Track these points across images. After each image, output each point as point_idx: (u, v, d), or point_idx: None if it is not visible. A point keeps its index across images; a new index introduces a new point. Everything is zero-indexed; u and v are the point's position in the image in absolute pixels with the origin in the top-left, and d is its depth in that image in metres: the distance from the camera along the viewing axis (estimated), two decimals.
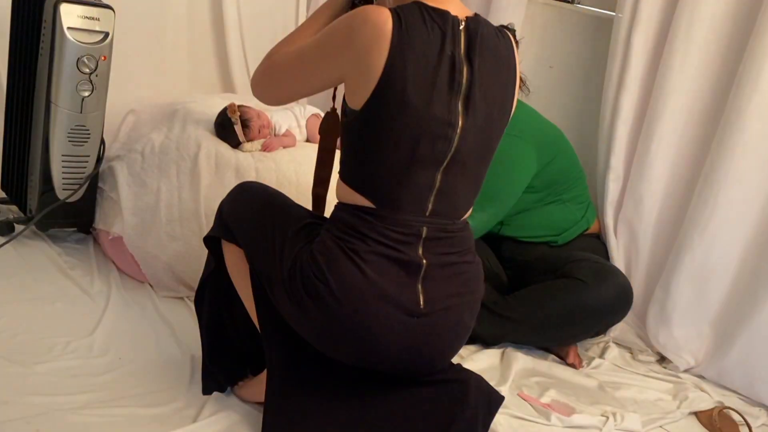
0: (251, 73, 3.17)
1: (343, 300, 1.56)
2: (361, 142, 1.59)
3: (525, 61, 2.67)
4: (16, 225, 2.35)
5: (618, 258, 2.57)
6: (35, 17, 2.21)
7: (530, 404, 2.04)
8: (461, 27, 1.58)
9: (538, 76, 2.55)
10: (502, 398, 1.75)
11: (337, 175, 1.68)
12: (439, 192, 1.61)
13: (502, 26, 2.10)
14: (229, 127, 2.32)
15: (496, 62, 1.62)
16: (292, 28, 3.30)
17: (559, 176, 2.46)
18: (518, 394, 2.08)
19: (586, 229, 2.55)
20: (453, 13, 1.59)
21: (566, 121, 2.73)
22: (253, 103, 2.46)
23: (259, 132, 2.36)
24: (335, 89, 1.76)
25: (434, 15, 1.56)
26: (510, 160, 2.35)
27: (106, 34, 2.21)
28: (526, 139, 2.38)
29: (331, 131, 1.82)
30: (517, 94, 1.73)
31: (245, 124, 2.32)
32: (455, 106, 1.56)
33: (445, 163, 1.59)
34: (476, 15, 1.65)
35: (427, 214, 1.62)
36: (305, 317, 1.61)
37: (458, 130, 1.57)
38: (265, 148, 2.35)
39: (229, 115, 2.33)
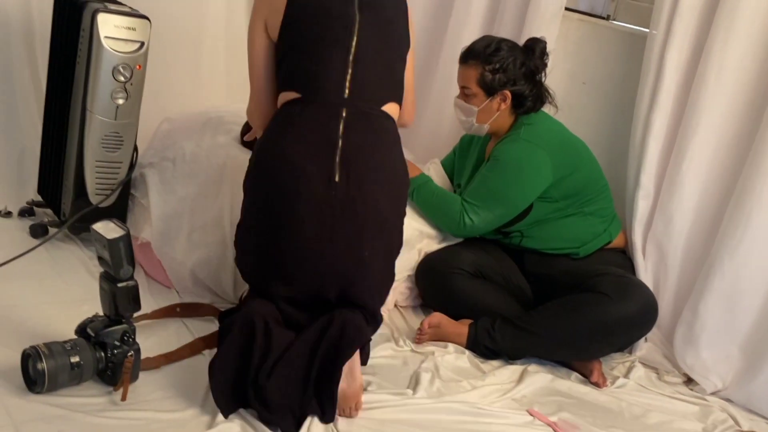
0: None
1: (268, 168, 1.92)
2: (284, 56, 1.98)
3: (557, 76, 2.66)
4: (50, 228, 2.41)
5: (646, 277, 2.54)
6: (74, 26, 2.27)
7: (538, 420, 2.03)
8: None
9: (571, 92, 2.54)
10: (360, 340, 1.89)
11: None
12: (353, 79, 1.96)
13: (534, 38, 2.33)
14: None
15: None
16: None
17: (581, 189, 2.45)
18: (527, 410, 2.06)
19: (608, 243, 2.53)
20: None
21: (597, 138, 2.71)
22: None
23: None
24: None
25: None
26: (522, 165, 2.39)
27: (142, 44, 2.26)
28: (544, 148, 2.39)
29: None
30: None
31: None
32: (352, 7, 1.98)
33: (352, 53, 1.96)
34: None
35: (346, 97, 1.95)
36: (250, 212, 1.96)
37: (356, 22, 1.97)
38: None
39: None
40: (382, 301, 2.08)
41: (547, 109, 2.52)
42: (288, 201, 1.89)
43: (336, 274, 1.93)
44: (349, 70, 1.96)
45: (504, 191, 2.40)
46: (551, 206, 2.43)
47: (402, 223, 2.07)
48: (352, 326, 1.88)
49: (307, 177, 1.89)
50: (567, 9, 2.89)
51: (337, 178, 1.89)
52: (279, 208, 1.90)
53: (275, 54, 2.03)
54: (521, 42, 2.53)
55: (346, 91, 1.96)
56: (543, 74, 2.47)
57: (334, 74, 1.96)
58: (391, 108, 2.04)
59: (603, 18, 2.99)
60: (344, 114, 1.94)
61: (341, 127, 1.93)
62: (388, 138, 2.01)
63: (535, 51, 2.44)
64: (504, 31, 2.92)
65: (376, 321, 2.04)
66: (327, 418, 1.78)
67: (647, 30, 2.72)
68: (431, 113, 3.08)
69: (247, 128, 2.42)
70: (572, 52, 2.86)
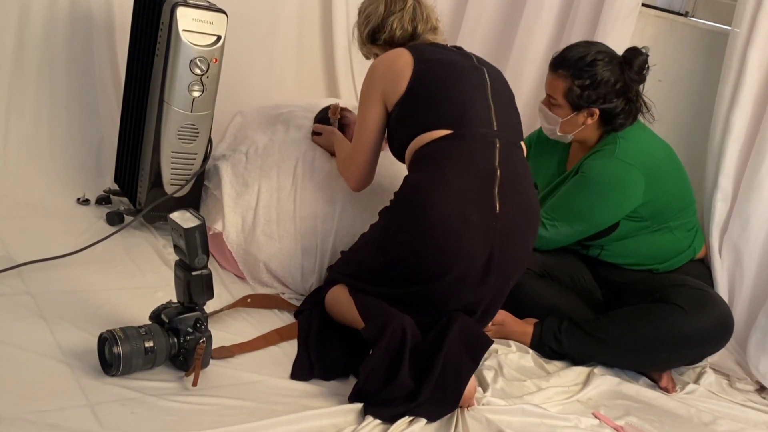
0: (356, 77, 3.24)
1: (434, 217, 1.87)
2: (418, 104, 2.02)
3: None
4: (125, 216, 2.47)
5: (721, 281, 2.48)
6: (154, 19, 2.32)
7: (603, 423, 2.00)
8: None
9: (646, 89, 2.47)
10: (489, 341, 1.94)
11: (402, 163, 2.10)
12: (497, 114, 2.01)
13: (635, 49, 2.31)
14: (325, 125, 2.39)
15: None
16: None
17: (668, 205, 2.35)
18: (593, 413, 2.03)
19: (692, 258, 2.46)
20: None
21: (674, 137, 2.65)
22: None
23: None
24: None
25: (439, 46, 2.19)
26: (612, 183, 2.27)
27: (219, 38, 2.30)
28: (639, 169, 2.26)
29: None
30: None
31: (341, 128, 2.38)
32: (473, 61, 2.12)
33: (489, 93, 2.03)
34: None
35: (496, 129, 1.99)
36: (394, 241, 1.95)
37: (485, 71, 2.09)
38: None
39: (330, 115, 2.40)
40: None
41: (641, 119, 2.38)
42: (454, 229, 1.88)
43: (479, 302, 1.98)
44: (492, 106, 2.02)
45: (587, 209, 2.30)
46: (638, 225, 2.33)
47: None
48: (479, 335, 1.94)
49: (472, 206, 1.90)
50: (644, 5, 2.84)
51: (498, 209, 1.91)
52: (442, 236, 1.89)
53: (402, 106, 2.05)
54: (596, 38, 2.47)
55: (495, 124, 2.00)
56: (641, 87, 2.33)
57: (480, 110, 2.01)
58: (523, 146, 2.11)
59: (681, 14, 2.93)
60: (498, 144, 1.97)
61: (498, 157, 1.95)
62: (528, 171, 2.06)
63: (633, 64, 2.29)
64: (578, 27, 2.88)
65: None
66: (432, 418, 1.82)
67: (726, 27, 2.66)
68: None
69: (319, 121, 2.45)
70: (648, 49, 2.80)
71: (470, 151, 1.95)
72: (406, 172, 2.05)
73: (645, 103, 2.36)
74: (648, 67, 2.32)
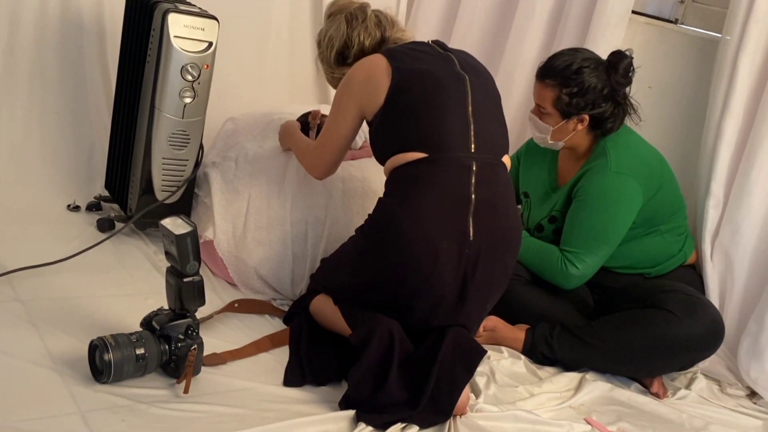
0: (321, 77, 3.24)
1: (400, 240, 1.86)
2: (394, 121, 1.96)
3: None
4: (116, 222, 2.46)
5: (712, 286, 2.49)
6: (145, 25, 2.32)
7: (596, 429, 2.00)
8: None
9: (636, 96, 2.48)
10: (483, 351, 1.92)
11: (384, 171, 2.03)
12: (477, 133, 1.94)
13: (619, 52, 2.30)
14: (304, 128, 2.40)
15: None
16: None
17: (661, 208, 2.36)
18: (585, 419, 2.04)
19: (683, 263, 2.47)
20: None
21: (664, 143, 2.66)
22: None
23: None
24: None
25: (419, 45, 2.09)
26: (616, 200, 2.28)
27: (210, 44, 2.30)
28: (634, 177, 2.28)
29: None
30: None
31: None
32: (455, 68, 2.01)
33: (470, 108, 1.95)
34: None
35: (473, 151, 1.92)
36: (372, 274, 1.94)
37: (467, 81, 1.99)
38: None
39: (310, 119, 2.41)
40: None
41: (627, 121, 2.40)
42: (423, 257, 1.87)
43: (456, 320, 1.97)
44: (472, 125, 1.95)
45: (603, 230, 2.29)
46: (631, 232, 2.34)
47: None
48: (473, 345, 1.93)
49: (443, 234, 1.87)
50: (634, 12, 2.85)
51: (471, 236, 1.88)
52: (411, 265, 1.88)
53: (381, 119, 1.99)
54: (587, 48, 2.48)
55: (473, 145, 1.94)
56: (627, 90, 2.34)
57: (458, 130, 1.94)
58: (506, 160, 2.05)
59: (671, 22, 2.94)
60: (474, 168, 1.92)
61: (473, 182, 1.91)
62: (508, 190, 2.02)
63: (618, 68, 2.29)
64: (568, 34, 2.89)
65: None
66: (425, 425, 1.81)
67: (716, 34, 2.68)
68: None
69: (301, 126, 2.45)
70: (638, 56, 2.80)
71: (444, 177, 1.90)
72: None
73: (632, 105, 2.37)
74: (633, 69, 2.33)
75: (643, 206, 2.31)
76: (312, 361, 1.96)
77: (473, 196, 1.89)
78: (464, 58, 2.10)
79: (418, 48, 2.08)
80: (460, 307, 1.93)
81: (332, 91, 3.25)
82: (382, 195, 2.00)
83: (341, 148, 2.11)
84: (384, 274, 1.92)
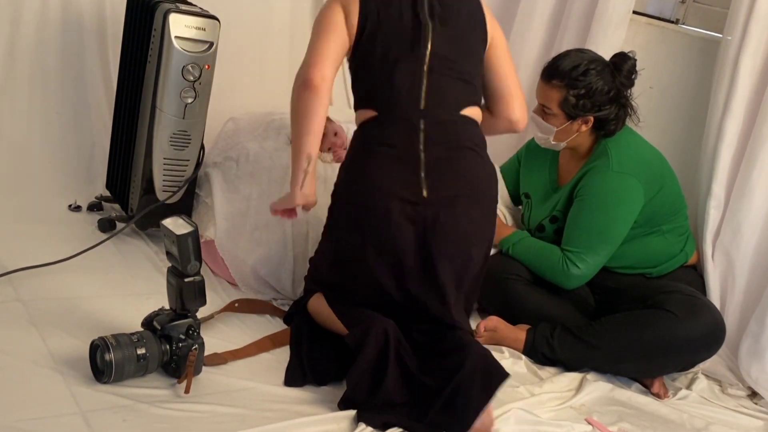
0: (348, 85, 3.23)
1: (357, 200, 1.90)
2: (357, 72, 1.99)
3: None
4: (117, 223, 2.46)
5: (713, 287, 2.49)
6: (146, 26, 2.32)
7: (597, 429, 2.00)
8: None
9: (637, 96, 2.49)
10: (506, 374, 1.81)
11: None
12: (429, 89, 1.92)
13: (623, 54, 2.28)
14: None
15: None
16: None
17: (662, 208, 2.36)
18: (586, 419, 2.03)
19: (684, 263, 2.47)
20: None
21: (664, 144, 2.66)
22: (344, 118, 2.51)
23: (329, 150, 2.42)
24: None
25: None
26: (617, 199, 2.28)
27: (211, 44, 2.30)
28: (634, 175, 2.28)
29: None
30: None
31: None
32: (422, 14, 1.95)
33: (426, 62, 1.93)
34: None
35: (422, 108, 1.91)
36: (340, 235, 1.96)
37: (429, 33, 1.93)
38: (337, 160, 2.41)
39: None
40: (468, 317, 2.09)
41: (627, 121, 2.40)
42: (378, 221, 1.89)
43: (429, 291, 1.93)
44: (424, 81, 1.93)
45: (604, 230, 2.29)
46: (633, 231, 2.33)
47: (493, 233, 2.06)
48: (495, 367, 1.83)
49: (394, 196, 1.88)
50: (635, 12, 2.85)
51: (425, 193, 1.88)
52: (370, 230, 1.90)
53: (350, 64, 2.03)
54: (588, 46, 2.48)
55: (422, 102, 1.93)
56: (629, 93, 2.34)
57: (407, 86, 1.93)
58: (471, 111, 2.00)
59: (672, 22, 2.94)
60: (422, 126, 1.91)
61: (421, 140, 1.90)
62: (471, 143, 1.97)
63: (622, 69, 2.30)
64: (569, 35, 2.89)
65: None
66: None
67: (717, 34, 2.68)
68: None
69: None
70: (639, 56, 2.81)
71: (390, 137, 1.92)
72: None
73: (632, 107, 2.37)
74: (636, 71, 2.33)
75: (645, 206, 2.31)
76: (313, 361, 1.96)
77: (422, 155, 1.89)
78: (436, 2, 2.01)
79: None
80: (429, 270, 1.90)
81: (334, 91, 3.27)
82: None
83: (331, 43, 1.98)
84: (345, 243, 1.95)
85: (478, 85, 2.06)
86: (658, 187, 2.34)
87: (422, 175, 1.88)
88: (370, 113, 1.97)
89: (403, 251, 1.89)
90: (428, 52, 1.94)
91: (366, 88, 2.00)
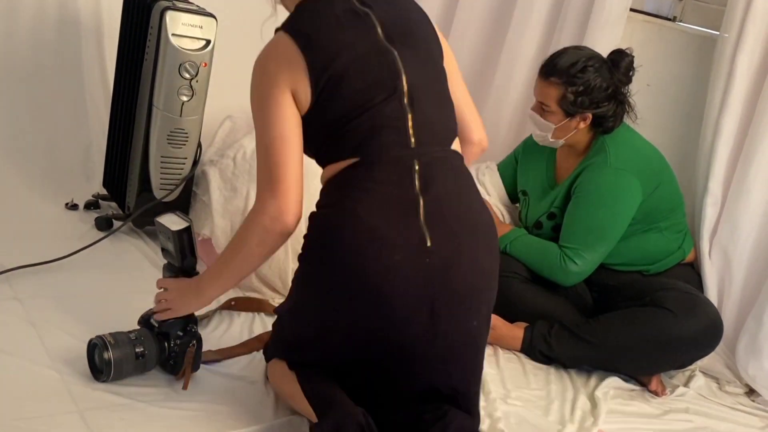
0: None
1: (342, 257, 1.55)
2: (324, 130, 1.63)
3: None
4: (114, 221, 2.46)
5: (711, 284, 2.49)
6: (143, 23, 2.32)
7: None
8: None
9: (634, 93, 2.49)
10: None
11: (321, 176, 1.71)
12: (415, 124, 1.62)
13: (620, 51, 2.19)
14: None
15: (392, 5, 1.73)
16: None
17: (659, 205, 2.36)
18: (599, 431, 2.03)
19: (682, 260, 2.47)
20: None
21: (662, 141, 2.66)
22: None
23: None
24: None
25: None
26: (615, 196, 2.28)
27: (208, 42, 2.30)
28: (632, 171, 2.29)
29: None
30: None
31: None
32: (379, 40, 1.65)
33: (406, 94, 1.63)
34: None
35: (413, 146, 1.62)
36: (314, 303, 1.63)
37: (397, 59, 1.64)
38: None
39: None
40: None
41: (624, 119, 2.39)
42: (373, 276, 1.54)
43: (438, 357, 1.60)
44: (409, 115, 1.62)
45: (602, 227, 2.29)
46: (631, 227, 2.33)
47: (497, 275, 1.72)
48: None
49: (396, 248, 1.54)
50: (632, 10, 2.85)
51: (429, 242, 1.55)
52: (361, 287, 1.55)
53: (307, 124, 1.64)
54: (585, 43, 2.47)
55: (412, 140, 1.62)
56: (627, 90, 2.34)
57: (392, 125, 1.61)
58: (457, 145, 1.72)
59: (669, 19, 2.94)
60: (417, 166, 1.60)
61: (417, 183, 1.59)
62: (466, 181, 1.69)
63: (620, 66, 2.30)
64: (567, 32, 2.89)
65: (478, 414, 1.71)
66: None
67: (714, 32, 2.68)
68: (488, 114, 3.06)
69: None
70: (636, 54, 2.81)
71: (382, 181, 1.58)
72: None
73: (629, 104, 2.38)
74: (634, 68, 2.33)
75: (642, 202, 2.31)
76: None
77: (420, 198, 1.57)
78: (386, 14, 1.68)
79: (325, 8, 1.67)
80: (434, 338, 1.57)
81: None
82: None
83: (297, 158, 1.63)
84: (336, 303, 1.59)
85: (454, 107, 1.76)
86: (656, 184, 2.34)
87: (422, 221, 1.56)
88: (348, 161, 1.61)
89: (408, 321, 1.56)
90: (404, 81, 1.63)
91: (338, 138, 1.63)
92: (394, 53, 1.65)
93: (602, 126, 2.34)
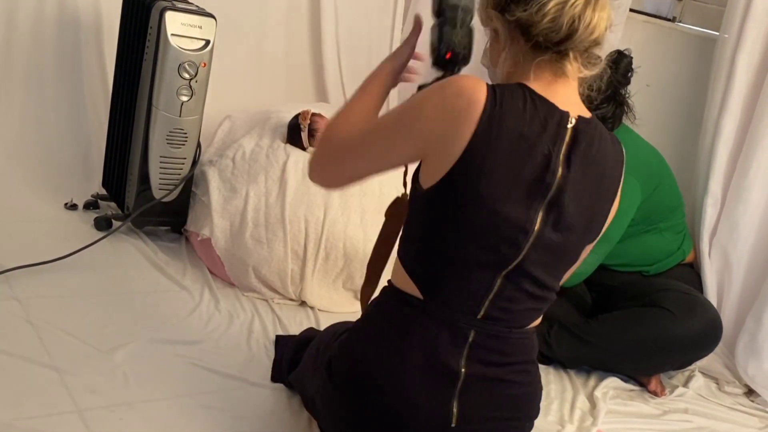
0: (345, 84, 3.22)
1: (370, 402, 1.46)
2: (424, 225, 1.44)
3: None
4: (113, 221, 2.46)
5: (710, 284, 2.49)
6: (142, 23, 2.32)
7: None
8: (569, 125, 1.40)
9: (634, 93, 2.48)
10: None
11: (396, 253, 1.55)
12: (497, 296, 1.43)
13: (619, 52, 2.12)
14: (296, 132, 2.39)
15: (599, 171, 1.43)
16: (387, 42, 3.35)
17: (659, 206, 2.36)
18: (598, 431, 2.03)
19: (681, 261, 2.47)
20: (563, 107, 1.40)
21: (662, 142, 2.66)
22: (333, 112, 2.50)
23: None
24: (406, 172, 1.56)
25: (539, 104, 1.37)
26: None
27: (207, 42, 2.30)
28: (632, 173, 2.24)
29: (397, 216, 1.61)
30: (614, 210, 1.55)
31: (311, 133, 2.39)
32: (535, 210, 1.38)
33: (508, 268, 1.41)
34: (593, 117, 1.45)
35: (479, 317, 1.44)
36: (337, 408, 1.52)
37: (531, 238, 1.39)
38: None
39: (300, 120, 2.41)
40: None
41: (624, 119, 2.38)
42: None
43: None
44: (495, 288, 1.42)
45: (607, 230, 2.30)
46: (630, 229, 2.32)
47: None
48: None
49: (418, 413, 1.44)
50: (632, 10, 2.85)
51: (454, 422, 1.44)
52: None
53: (423, 204, 1.44)
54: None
55: (482, 310, 1.44)
56: (625, 91, 2.33)
57: (473, 288, 1.43)
58: (535, 323, 1.54)
59: (669, 20, 2.94)
60: (471, 338, 1.44)
61: (465, 354, 1.44)
62: (521, 366, 1.50)
63: (619, 66, 2.29)
64: None
65: None
66: None
67: (714, 32, 2.68)
68: None
69: (293, 129, 2.43)
70: (636, 54, 2.81)
71: (432, 337, 1.44)
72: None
73: (628, 105, 2.37)
74: (633, 69, 2.33)
75: (642, 204, 2.31)
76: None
77: (463, 370, 1.44)
78: (587, 162, 1.42)
79: (531, 107, 1.38)
80: None
81: (330, 90, 3.27)
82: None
83: (367, 171, 1.52)
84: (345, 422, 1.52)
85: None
86: (655, 185, 2.34)
87: (455, 395, 1.43)
88: (413, 288, 1.46)
89: None
90: (516, 262, 1.42)
91: (423, 260, 1.47)
92: (533, 228, 1.42)
93: None
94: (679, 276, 2.42)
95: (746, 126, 2.49)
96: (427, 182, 1.40)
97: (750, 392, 2.41)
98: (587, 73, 1.45)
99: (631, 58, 2.34)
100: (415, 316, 1.45)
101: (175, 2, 2.29)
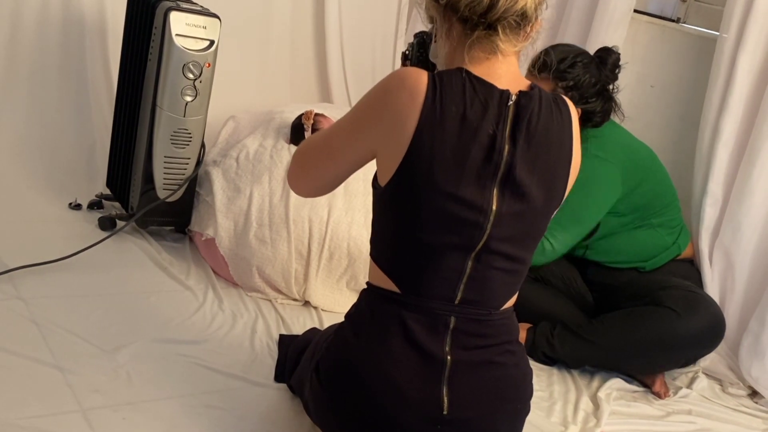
0: (349, 84, 3.23)
1: (358, 399, 1.47)
2: (389, 222, 1.47)
3: (625, 79, 2.60)
4: (117, 221, 2.46)
5: (712, 286, 2.49)
6: (146, 24, 2.32)
7: None
8: (510, 102, 1.42)
9: (638, 95, 2.50)
10: None
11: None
12: (471, 279, 1.45)
13: (606, 48, 2.10)
14: (299, 132, 2.40)
15: (545, 139, 1.45)
16: (391, 42, 3.35)
17: (648, 201, 2.38)
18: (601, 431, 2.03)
19: (677, 255, 2.47)
20: (503, 85, 1.42)
21: (665, 142, 2.67)
22: (337, 113, 2.51)
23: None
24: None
25: (478, 86, 1.41)
26: (593, 181, 2.29)
27: (212, 42, 2.30)
28: (612, 162, 2.30)
29: None
30: (574, 172, 1.58)
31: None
32: (489, 190, 1.41)
33: (476, 250, 1.43)
34: (532, 87, 1.47)
35: (457, 302, 1.46)
36: (327, 409, 1.55)
37: (491, 217, 1.42)
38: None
39: (303, 121, 2.42)
40: None
41: (613, 116, 2.40)
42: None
43: None
44: (468, 270, 1.45)
45: (579, 210, 2.29)
46: (618, 221, 2.36)
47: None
48: None
49: (408, 404, 1.45)
50: (636, 11, 2.85)
51: (445, 410, 1.45)
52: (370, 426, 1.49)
53: (383, 202, 1.48)
54: (589, 47, 2.48)
55: (459, 295, 1.46)
56: (613, 86, 2.35)
57: (446, 274, 1.46)
58: (512, 301, 1.56)
59: (673, 21, 2.94)
60: (452, 324, 1.47)
61: (448, 341, 1.46)
62: (504, 347, 1.52)
63: (607, 63, 2.31)
64: (571, 33, 2.89)
65: None
66: None
67: (718, 33, 2.67)
68: None
69: (296, 130, 2.44)
70: (640, 55, 2.83)
71: (414, 328, 1.46)
72: None
73: (616, 102, 2.39)
74: (620, 65, 2.35)
75: (627, 196, 2.33)
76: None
77: (448, 357, 1.46)
78: (530, 136, 1.44)
79: (471, 90, 1.41)
80: None
81: (334, 90, 3.27)
82: (346, 311, 1.59)
83: (335, 173, 1.55)
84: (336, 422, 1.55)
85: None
86: (640, 179, 2.35)
87: (444, 382, 1.45)
88: (389, 284, 1.49)
89: None
90: (482, 242, 1.45)
91: (393, 253, 1.51)
92: (491, 207, 1.46)
93: (591, 121, 2.36)
94: (677, 271, 2.42)
95: (748, 127, 2.48)
96: (383, 179, 1.44)
97: (754, 394, 2.40)
98: (521, 46, 1.48)
99: (619, 54, 2.35)
100: (395, 310, 1.48)
101: (179, 2, 2.30)
